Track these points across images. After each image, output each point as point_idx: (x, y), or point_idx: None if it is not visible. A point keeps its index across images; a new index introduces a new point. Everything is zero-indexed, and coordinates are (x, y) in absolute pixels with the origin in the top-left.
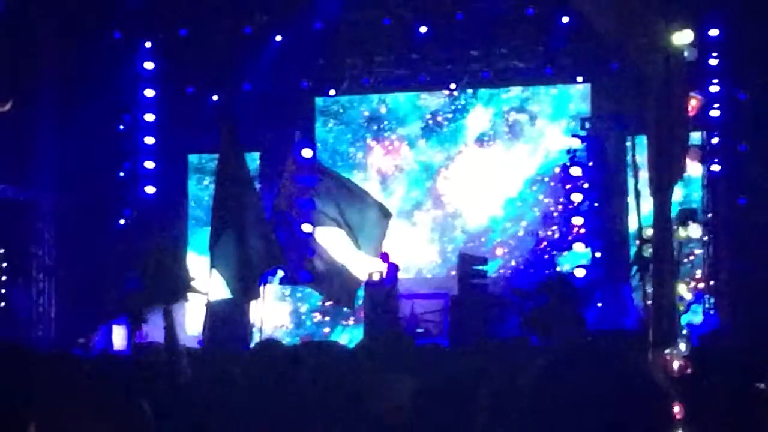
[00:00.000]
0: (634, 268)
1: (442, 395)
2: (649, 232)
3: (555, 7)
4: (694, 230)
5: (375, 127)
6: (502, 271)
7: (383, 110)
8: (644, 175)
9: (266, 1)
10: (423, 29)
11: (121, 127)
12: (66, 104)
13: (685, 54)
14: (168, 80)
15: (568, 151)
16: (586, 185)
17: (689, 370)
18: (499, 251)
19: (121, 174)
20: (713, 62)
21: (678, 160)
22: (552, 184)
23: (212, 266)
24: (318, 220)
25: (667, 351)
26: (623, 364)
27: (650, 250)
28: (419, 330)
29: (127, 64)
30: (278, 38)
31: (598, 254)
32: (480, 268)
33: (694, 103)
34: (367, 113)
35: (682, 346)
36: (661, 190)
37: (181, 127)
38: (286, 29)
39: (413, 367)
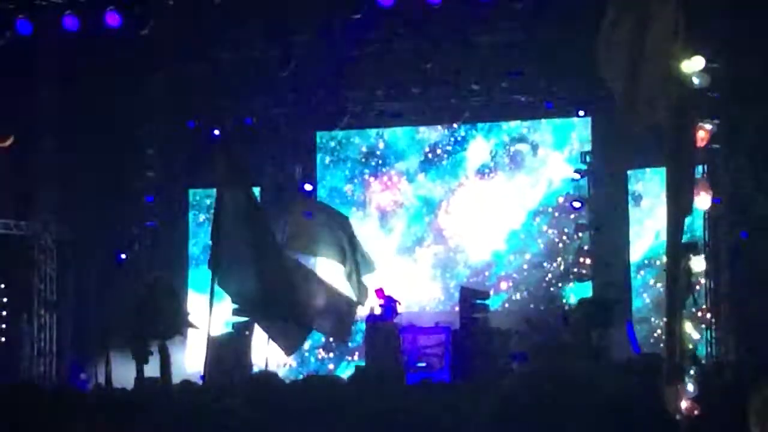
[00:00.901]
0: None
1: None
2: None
3: (556, 41)
4: (697, 263)
5: (373, 163)
6: (507, 305)
7: (381, 145)
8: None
9: (268, 34)
10: (426, 65)
11: (123, 161)
12: (67, 139)
13: (696, 81)
14: (170, 114)
15: (576, 171)
16: (586, 219)
17: (696, 413)
18: (503, 285)
19: (122, 209)
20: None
21: (685, 195)
22: (556, 214)
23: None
24: (318, 250)
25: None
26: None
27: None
28: (420, 364)
29: (129, 98)
30: (282, 74)
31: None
32: (481, 302)
33: (702, 135)
34: (364, 149)
35: (690, 387)
36: (672, 223)
37: (182, 162)
38: (288, 64)
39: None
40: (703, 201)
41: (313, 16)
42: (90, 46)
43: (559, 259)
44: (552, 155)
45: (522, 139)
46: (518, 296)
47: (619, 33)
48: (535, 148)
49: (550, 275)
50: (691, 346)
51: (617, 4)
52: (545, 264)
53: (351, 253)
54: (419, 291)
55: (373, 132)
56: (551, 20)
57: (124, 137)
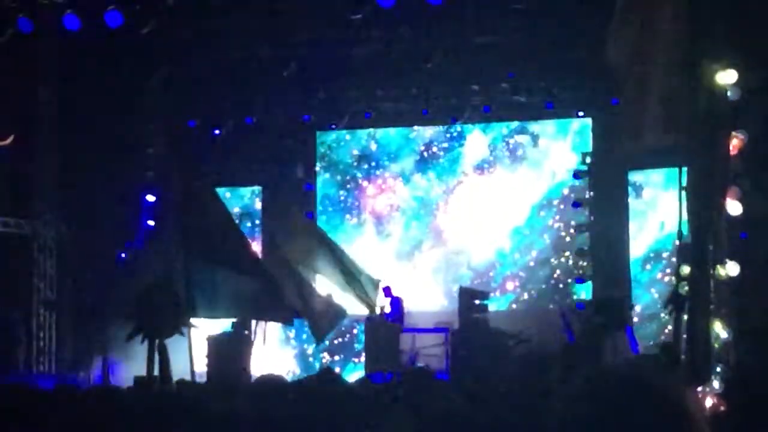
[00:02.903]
0: (669, 305)
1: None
2: (686, 270)
3: (556, 42)
4: (733, 268)
5: (366, 166)
6: (515, 305)
7: (373, 147)
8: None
9: (269, 36)
10: (426, 65)
11: (123, 160)
12: (67, 138)
13: (729, 94)
14: (170, 113)
15: (575, 174)
16: (585, 219)
17: (722, 408)
18: (509, 285)
19: (123, 208)
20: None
21: (717, 199)
22: (562, 207)
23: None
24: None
25: (699, 388)
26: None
27: (686, 288)
28: (419, 364)
29: (129, 97)
30: (282, 74)
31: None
32: (481, 302)
33: (735, 143)
34: (356, 152)
35: (716, 384)
36: (701, 229)
37: (182, 161)
38: (288, 64)
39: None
40: (734, 207)
41: (314, 15)
42: (90, 45)
43: (567, 253)
44: (555, 145)
45: (522, 131)
46: (526, 296)
47: (624, 42)
48: (535, 138)
49: (558, 271)
50: (717, 346)
51: (622, 12)
52: (552, 260)
53: (349, 268)
54: (420, 297)
55: (364, 134)
56: (552, 21)
57: (125, 136)
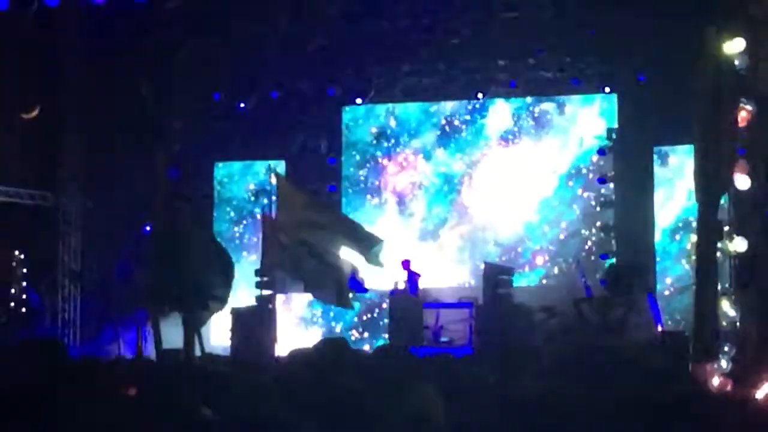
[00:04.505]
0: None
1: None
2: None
3: (583, 17)
4: (740, 244)
5: (385, 144)
6: (545, 281)
7: (392, 123)
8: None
9: (294, 8)
10: (452, 40)
11: (148, 134)
12: (92, 110)
13: (736, 63)
14: (195, 87)
15: (600, 151)
16: (612, 196)
17: (729, 387)
18: (539, 260)
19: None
20: None
21: (725, 173)
22: (590, 175)
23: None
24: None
25: (707, 365)
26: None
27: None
28: (443, 339)
29: (155, 71)
30: (307, 47)
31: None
32: (505, 277)
33: (744, 114)
34: (374, 129)
35: (723, 363)
36: (707, 203)
37: (208, 134)
38: (313, 37)
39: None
40: (742, 181)
41: None
42: (116, 19)
43: (599, 223)
44: (582, 111)
45: (547, 98)
46: (556, 270)
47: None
48: (561, 105)
49: (590, 243)
50: (725, 323)
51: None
52: (584, 231)
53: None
54: (446, 277)
55: (382, 110)
56: None
57: (150, 110)
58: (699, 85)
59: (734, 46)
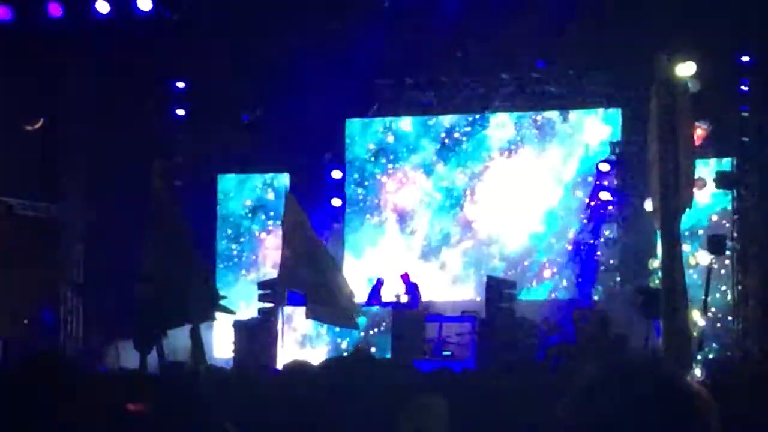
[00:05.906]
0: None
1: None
2: (655, 263)
3: (586, 33)
4: (702, 257)
5: (383, 160)
6: (554, 294)
7: (390, 139)
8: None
9: (299, 24)
10: (457, 54)
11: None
12: (96, 123)
13: (689, 86)
14: (199, 99)
15: (606, 161)
16: (614, 210)
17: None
18: (546, 273)
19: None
20: (744, 88)
21: (685, 190)
22: (597, 183)
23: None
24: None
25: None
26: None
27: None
28: (446, 352)
29: (157, 82)
30: (312, 61)
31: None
32: (508, 291)
33: (699, 133)
34: (372, 146)
35: (697, 372)
36: (668, 220)
37: (211, 147)
38: (318, 51)
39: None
40: (703, 195)
41: (345, 4)
42: (120, 31)
43: (607, 232)
44: (587, 118)
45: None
46: (565, 283)
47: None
48: (564, 113)
49: (599, 253)
50: (696, 334)
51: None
52: (593, 241)
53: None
54: (451, 294)
55: (380, 125)
56: (583, 11)
57: (153, 122)
58: (655, 107)
59: (686, 69)
